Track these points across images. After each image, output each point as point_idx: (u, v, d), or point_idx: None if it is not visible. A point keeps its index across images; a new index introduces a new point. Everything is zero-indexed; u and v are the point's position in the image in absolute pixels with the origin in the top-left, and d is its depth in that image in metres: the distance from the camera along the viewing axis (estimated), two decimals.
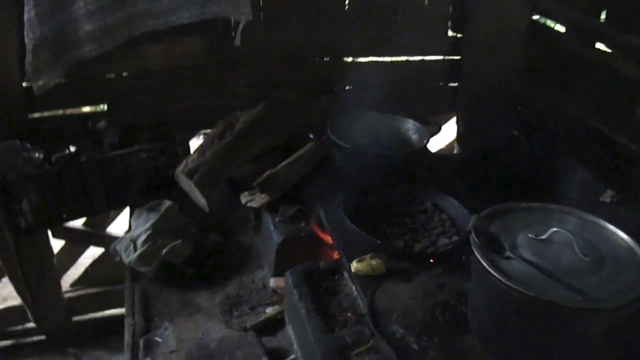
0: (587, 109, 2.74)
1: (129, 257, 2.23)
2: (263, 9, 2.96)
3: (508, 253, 1.45)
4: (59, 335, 3.26)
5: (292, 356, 1.83)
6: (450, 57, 3.38)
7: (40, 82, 2.49)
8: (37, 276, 2.96)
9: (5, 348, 3.26)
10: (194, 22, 2.60)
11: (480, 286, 1.49)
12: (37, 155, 2.57)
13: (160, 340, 1.90)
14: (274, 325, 2.01)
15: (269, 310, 2.08)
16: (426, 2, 3.26)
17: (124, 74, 2.83)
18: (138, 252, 2.21)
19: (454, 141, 3.69)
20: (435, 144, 3.47)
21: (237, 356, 1.79)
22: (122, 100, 2.82)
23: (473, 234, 1.48)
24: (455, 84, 3.40)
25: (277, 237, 2.14)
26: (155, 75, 2.84)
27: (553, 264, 1.41)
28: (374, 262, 1.76)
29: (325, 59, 3.23)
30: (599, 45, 2.77)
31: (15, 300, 3.15)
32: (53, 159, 2.46)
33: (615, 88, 2.54)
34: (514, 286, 1.33)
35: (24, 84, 2.61)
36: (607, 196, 2.29)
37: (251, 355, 1.80)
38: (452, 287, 1.72)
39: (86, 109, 3.04)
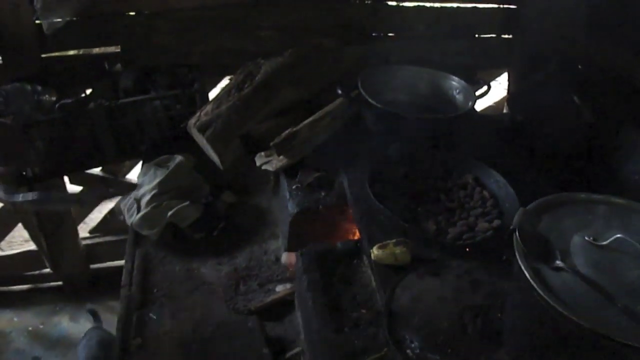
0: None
1: (132, 218, 2.03)
2: None
3: (559, 262, 1.17)
4: (76, 282, 3.18)
5: (298, 349, 1.62)
6: (506, 6, 3.00)
7: (50, 20, 2.30)
8: (52, 223, 2.84)
9: (22, 292, 3.20)
10: None
11: (521, 299, 1.23)
12: (48, 98, 2.38)
13: (155, 317, 1.72)
14: (283, 307, 1.80)
15: (279, 289, 1.87)
16: None
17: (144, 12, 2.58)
18: (141, 213, 2.01)
19: (503, 100, 3.35)
20: (481, 101, 3.14)
21: (235, 345, 1.59)
22: (138, 41, 2.57)
23: (517, 236, 1.21)
24: (510, 37, 3.04)
25: (292, 208, 1.90)
26: (177, 14, 2.58)
27: (613, 282, 1.13)
28: (397, 251, 1.51)
29: (366, 0, 2.89)
30: None
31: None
32: (57, 105, 2.26)
33: None
34: (561, 310, 1.06)
35: (35, 21, 2.40)
36: None
37: (250, 345, 1.60)
38: (488, 286, 1.46)
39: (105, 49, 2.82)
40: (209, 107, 2.21)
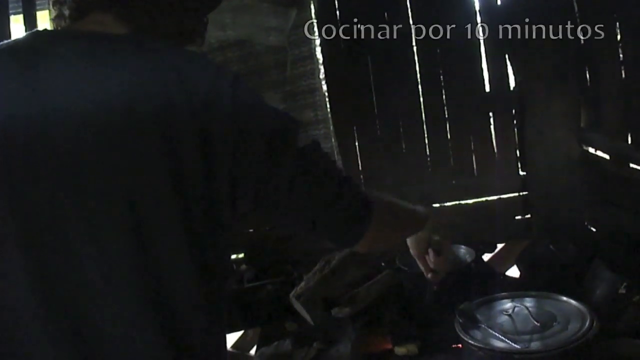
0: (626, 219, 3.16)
1: None
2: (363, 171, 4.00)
3: (482, 325, 2.08)
4: None
5: None
6: (523, 193, 4.00)
7: None
8: None
9: None
10: None
11: (465, 350, 2.11)
12: None
13: None
14: None
15: None
16: (495, 149, 3.99)
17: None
18: None
19: None
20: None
21: None
22: (256, 249, 3.81)
23: (457, 314, 2.13)
24: (529, 216, 3.99)
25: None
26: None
27: (513, 329, 2.02)
28: (410, 346, 2.43)
29: None
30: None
31: None
32: None
33: None
34: (471, 342, 1.96)
35: None
36: (623, 288, 2.70)
37: None
38: None
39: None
40: (302, 284, 3.30)
